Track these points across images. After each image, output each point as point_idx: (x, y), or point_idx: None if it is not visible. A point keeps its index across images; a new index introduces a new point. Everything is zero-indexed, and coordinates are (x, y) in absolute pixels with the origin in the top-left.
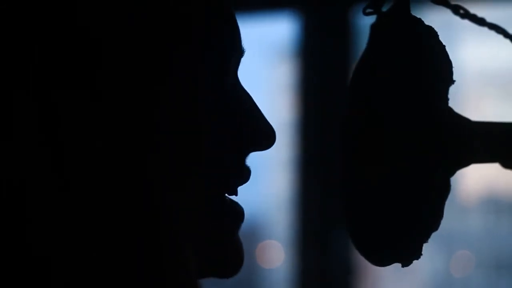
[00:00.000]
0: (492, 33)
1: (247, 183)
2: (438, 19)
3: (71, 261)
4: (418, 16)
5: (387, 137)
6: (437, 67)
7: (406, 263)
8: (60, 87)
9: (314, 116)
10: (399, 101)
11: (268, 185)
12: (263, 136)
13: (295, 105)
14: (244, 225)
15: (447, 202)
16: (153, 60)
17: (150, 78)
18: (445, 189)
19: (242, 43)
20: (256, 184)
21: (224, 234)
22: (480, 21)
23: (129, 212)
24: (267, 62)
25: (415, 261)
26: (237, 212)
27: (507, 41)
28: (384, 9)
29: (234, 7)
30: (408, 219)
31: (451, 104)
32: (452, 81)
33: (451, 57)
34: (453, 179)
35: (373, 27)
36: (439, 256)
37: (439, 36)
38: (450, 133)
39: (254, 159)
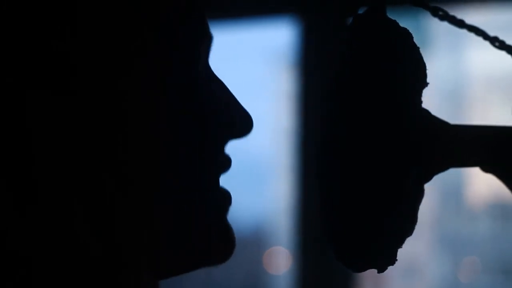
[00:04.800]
0: (499, 35)
1: (255, 191)
2: (444, 24)
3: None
4: (419, 16)
5: (359, 141)
6: (411, 69)
7: (381, 268)
8: (28, 88)
9: (315, 122)
10: (371, 103)
11: (275, 192)
12: (239, 123)
13: (296, 112)
14: (251, 232)
15: (455, 208)
16: (121, 51)
17: (119, 69)
18: (418, 194)
19: (210, 29)
20: (263, 191)
21: (213, 220)
22: (459, 23)
23: (104, 212)
24: (267, 69)
25: (422, 266)
26: (224, 196)
27: None
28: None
29: (235, 13)
30: (380, 225)
31: (455, 109)
32: (426, 84)
33: (457, 62)
34: (460, 185)
35: (349, 29)
36: (446, 261)
37: (414, 38)
38: (424, 136)
39: (260, 166)
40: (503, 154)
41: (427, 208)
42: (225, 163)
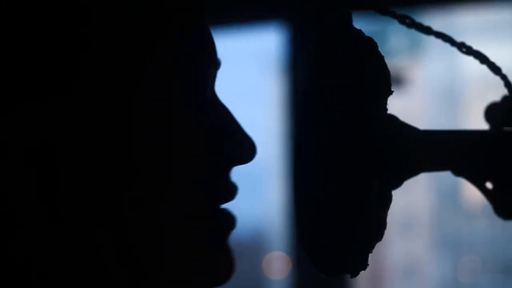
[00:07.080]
0: (494, 35)
1: (253, 196)
2: (440, 22)
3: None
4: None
5: (326, 150)
6: (375, 78)
7: (353, 273)
8: (34, 99)
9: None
10: (337, 111)
11: (273, 197)
12: (243, 149)
13: (285, 116)
14: (250, 238)
15: (453, 208)
16: (126, 74)
17: (124, 92)
18: (386, 200)
19: (218, 55)
20: (261, 196)
21: (214, 242)
22: (426, 30)
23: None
24: (259, 74)
25: (421, 266)
26: (228, 219)
27: (509, 43)
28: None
29: (225, 19)
30: (348, 231)
31: (451, 108)
32: (390, 92)
33: (452, 61)
34: (458, 185)
35: (316, 38)
36: (446, 261)
37: (379, 47)
38: (391, 142)
39: (256, 171)
40: (472, 157)
41: (425, 209)
42: (230, 190)
